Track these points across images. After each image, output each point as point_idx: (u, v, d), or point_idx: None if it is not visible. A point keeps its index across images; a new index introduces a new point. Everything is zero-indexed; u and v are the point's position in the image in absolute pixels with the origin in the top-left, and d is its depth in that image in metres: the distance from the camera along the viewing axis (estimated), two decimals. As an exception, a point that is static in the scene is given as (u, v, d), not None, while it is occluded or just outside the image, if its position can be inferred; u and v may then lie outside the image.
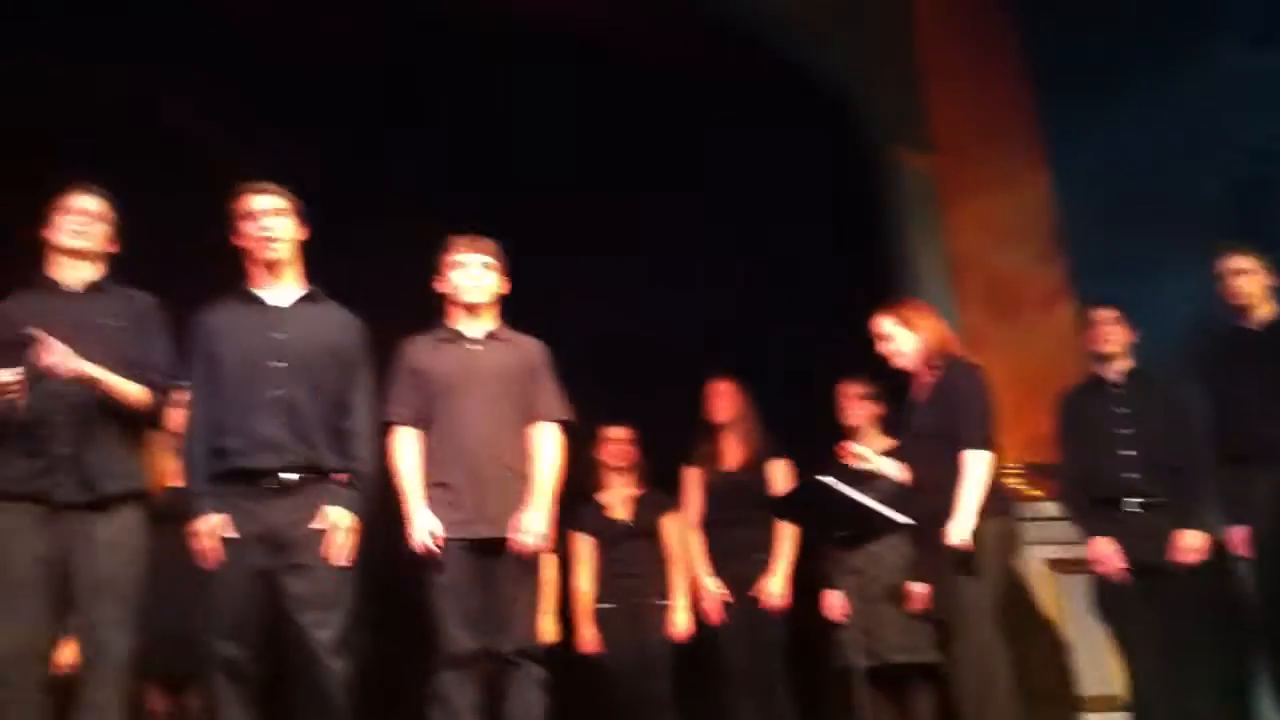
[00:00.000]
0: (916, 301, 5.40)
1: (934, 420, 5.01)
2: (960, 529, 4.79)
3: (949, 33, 7.08)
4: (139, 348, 4.38)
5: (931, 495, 4.91)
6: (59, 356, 4.09)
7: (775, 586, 5.91)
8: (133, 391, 4.31)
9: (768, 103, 7.09)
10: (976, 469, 4.84)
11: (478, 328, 4.79)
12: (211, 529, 4.27)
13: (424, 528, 4.57)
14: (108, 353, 4.28)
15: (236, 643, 4.21)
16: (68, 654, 4.84)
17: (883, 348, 5.21)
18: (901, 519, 4.95)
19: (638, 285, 7.01)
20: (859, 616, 5.52)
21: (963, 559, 4.80)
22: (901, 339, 5.15)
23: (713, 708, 6.12)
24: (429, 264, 4.88)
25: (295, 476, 4.31)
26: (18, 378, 4.08)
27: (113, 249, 4.49)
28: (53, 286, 4.39)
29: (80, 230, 4.38)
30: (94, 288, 4.42)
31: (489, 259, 4.80)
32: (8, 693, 4.07)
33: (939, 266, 6.63)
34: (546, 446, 4.73)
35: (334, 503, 4.34)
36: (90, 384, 4.20)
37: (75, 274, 4.41)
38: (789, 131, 7.06)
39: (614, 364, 6.85)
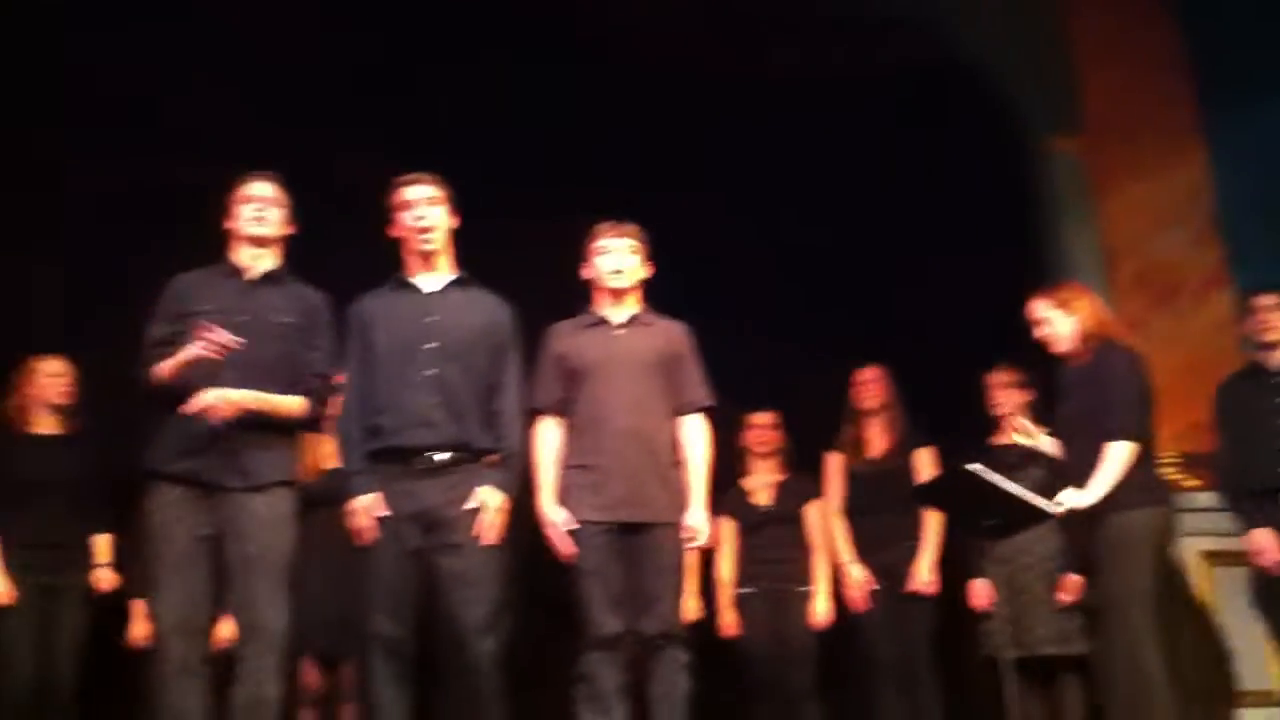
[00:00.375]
0: (1074, 284, 5.25)
1: (1084, 403, 4.90)
2: (1071, 499, 4.74)
3: (1102, 10, 6.89)
4: (305, 348, 4.50)
5: (1080, 481, 4.80)
6: (216, 400, 4.23)
7: (923, 573, 5.85)
8: (293, 407, 4.44)
9: (911, 87, 7.01)
10: (1114, 459, 4.73)
11: (622, 312, 4.83)
12: (366, 508, 4.38)
13: (555, 519, 4.64)
14: (276, 348, 4.43)
15: (392, 620, 4.32)
16: (225, 629, 5.02)
17: (1039, 332, 5.10)
18: (1051, 508, 4.85)
19: (787, 269, 7.00)
20: (1007, 606, 5.44)
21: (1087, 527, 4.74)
22: (1058, 322, 5.04)
23: (856, 697, 6.09)
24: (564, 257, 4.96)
25: (447, 455, 4.41)
26: (233, 343, 4.22)
27: (289, 231, 4.62)
28: (232, 272, 4.53)
29: (258, 217, 4.51)
30: (270, 278, 4.54)
31: (632, 243, 4.84)
32: (170, 665, 4.23)
33: (1092, 253, 6.48)
34: (695, 437, 4.76)
35: (485, 483, 4.44)
36: (252, 413, 4.33)
37: (254, 261, 4.54)
38: (935, 117, 6.98)
39: (761, 347, 6.87)
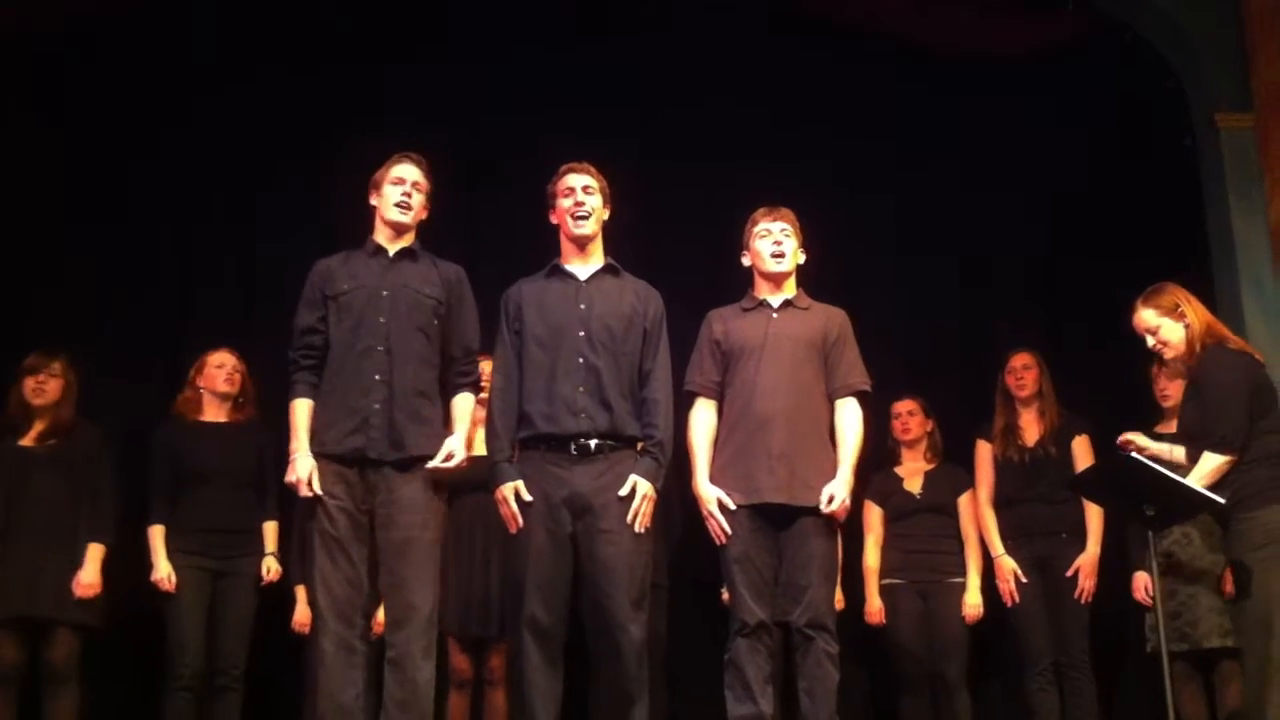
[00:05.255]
0: (1175, 287, 4.97)
1: (1190, 417, 4.82)
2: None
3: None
4: (455, 326, 4.63)
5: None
6: (451, 463, 4.42)
7: (1087, 567, 5.70)
8: (469, 411, 4.62)
9: (1074, 64, 6.83)
10: (1204, 467, 4.67)
11: (779, 296, 4.84)
12: (513, 494, 4.45)
13: (712, 499, 4.64)
14: (421, 318, 4.56)
15: (544, 605, 4.37)
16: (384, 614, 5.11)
17: (1150, 343, 4.91)
18: (1216, 497, 4.70)
19: (943, 249, 6.90)
20: (1168, 599, 5.29)
21: None
22: (1169, 330, 4.85)
23: (1010, 690, 5.98)
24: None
25: (596, 442, 4.45)
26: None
27: (424, 214, 4.73)
28: (374, 251, 4.66)
29: (405, 202, 4.63)
30: (407, 253, 4.66)
31: (789, 226, 4.84)
32: (328, 644, 4.34)
33: (1260, 233, 6.23)
34: (848, 419, 4.73)
35: (634, 470, 4.47)
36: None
37: (394, 239, 4.67)
38: (1099, 93, 6.79)
39: (913, 335, 6.78)
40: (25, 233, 6.42)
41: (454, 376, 4.60)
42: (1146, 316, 4.89)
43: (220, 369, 5.78)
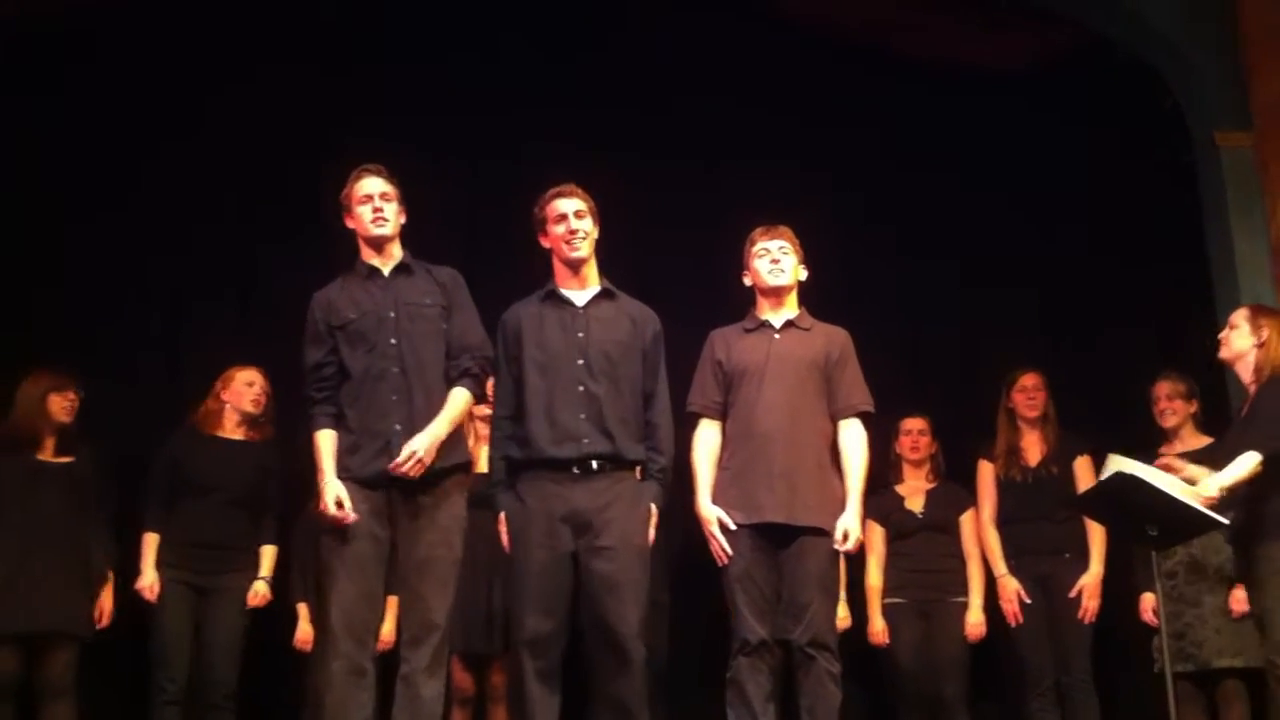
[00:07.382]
0: (1276, 314, 5.10)
1: (1238, 438, 4.82)
2: (1208, 487, 4.64)
3: (1273, 2, 6.57)
4: (456, 327, 4.57)
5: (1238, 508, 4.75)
6: (409, 464, 4.33)
7: (1090, 587, 5.69)
8: (462, 407, 4.52)
9: (1073, 81, 6.82)
10: (1240, 463, 4.66)
11: (780, 315, 4.82)
12: (509, 517, 4.47)
13: (713, 519, 4.65)
14: (428, 329, 4.52)
15: (542, 619, 4.35)
16: (388, 627, 5.07)
17: (1222, 332, 5.07)
18: (1219, 517, 4.69)
19: (943, 268, 6.89)
20: (1174, 620, 5.28)
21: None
22: (1238, 335, 4.97)
23: (1010, 710, 5.97)
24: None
25: (598, 463, 4.43)
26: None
27: (403, 218, 4.67)
28: (367, 273, 4.62)
29: (378, 216, 4.58)
30: (403, 269, 4.62)
31: (787, 244, 4.82)
32: (339, 664, 4.30)
33: (1260, 254, 6.22)
34: (853, 442, 4.73)
35: (635, 489, 4.47)
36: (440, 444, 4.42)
37: (384, 256, 4.63)
38: (1099, 111, 6.78)
39: (911, 347, 6.77)
40: (24, 233, 6.38)
41: (450, 369, 4.54)
42: (1238, 315, 5.06)
43: (250, 387, 5.75)
